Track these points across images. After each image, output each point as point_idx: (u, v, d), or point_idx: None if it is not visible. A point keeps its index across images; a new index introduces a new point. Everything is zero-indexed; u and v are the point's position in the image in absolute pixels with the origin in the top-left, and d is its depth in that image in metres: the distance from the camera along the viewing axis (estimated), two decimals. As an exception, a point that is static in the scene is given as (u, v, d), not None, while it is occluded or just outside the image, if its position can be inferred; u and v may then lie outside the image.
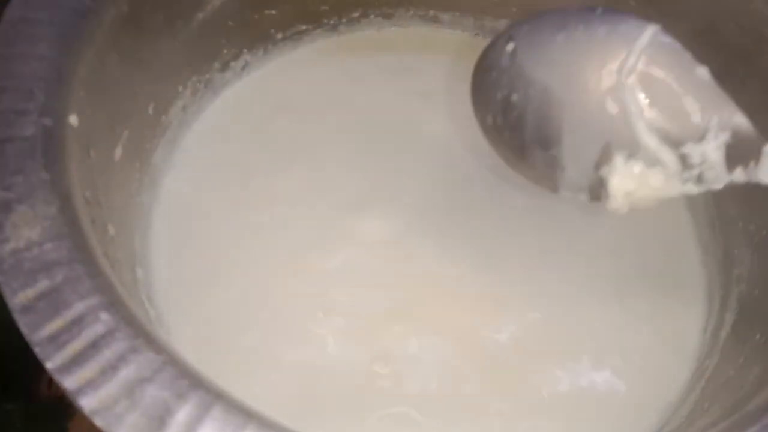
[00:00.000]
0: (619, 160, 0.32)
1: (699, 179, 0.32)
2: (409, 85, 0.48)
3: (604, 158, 0.33)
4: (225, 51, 0.45)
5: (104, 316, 0.24)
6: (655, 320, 0.41)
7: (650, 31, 0.32)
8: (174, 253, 0.41)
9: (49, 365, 0.23)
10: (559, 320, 0.40)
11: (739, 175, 0.31)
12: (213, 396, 0.24)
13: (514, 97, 0.34)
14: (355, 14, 0.49)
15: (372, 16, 0.50)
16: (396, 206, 0.43)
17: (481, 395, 0.37)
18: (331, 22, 0.49)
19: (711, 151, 0.31)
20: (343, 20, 0.49)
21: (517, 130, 0.35)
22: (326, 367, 0.38)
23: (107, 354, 0.24)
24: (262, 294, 0.40)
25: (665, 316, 0.41)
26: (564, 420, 0.37)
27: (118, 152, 0.37)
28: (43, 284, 0.25)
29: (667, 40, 0.32)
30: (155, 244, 0.40)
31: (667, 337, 0.40)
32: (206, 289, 0.40)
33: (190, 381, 0.24)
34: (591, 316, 0.40)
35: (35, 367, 0.48)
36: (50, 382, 0.48)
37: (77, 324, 0.24)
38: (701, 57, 0.41)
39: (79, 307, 0.24)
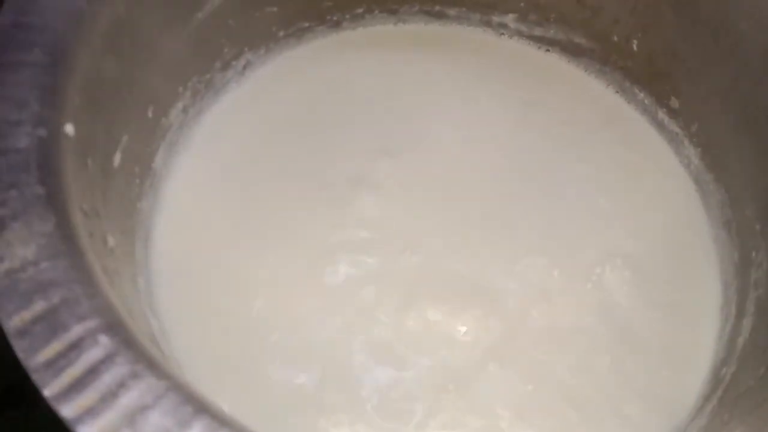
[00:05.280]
0: None
1: None
2: (414, 83, 0.47)
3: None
4: (226, 50, 0.44)
5: (103, 339, 0.23)
6: (668, 324, 0.40)
7: None
8: (176, 261, 0.39)
9: (47, 392, 0.22)
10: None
11: None
12: (218, 423, 0.23)
13: None
14: (359, 10, 0.48)
15: (376, 12, 0.49)
16: (403, 206, 0.42)
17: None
18: (335, 18, 0.48)
19: None
20: (347, 16, 0.48)
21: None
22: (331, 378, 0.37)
23: (107, 380, 0.23)
24: (266, 301, 0.39)
25: (679, 320, 0.40)
26: (584, 423, 0.37)
27: (117, 159, 0.35)
28: (39, 306, 0.24)
29: None
30: (157, 252, 0.39)
31: (681, 342, 0.40)
32: (209, 297, 0.39)
33: (194, 407, 0.23)
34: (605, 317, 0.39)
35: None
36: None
37: (75, 348, 0.23)
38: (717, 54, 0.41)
39: (77, 330, 0.24)
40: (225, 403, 0.34)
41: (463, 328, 0.38)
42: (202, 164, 0.43)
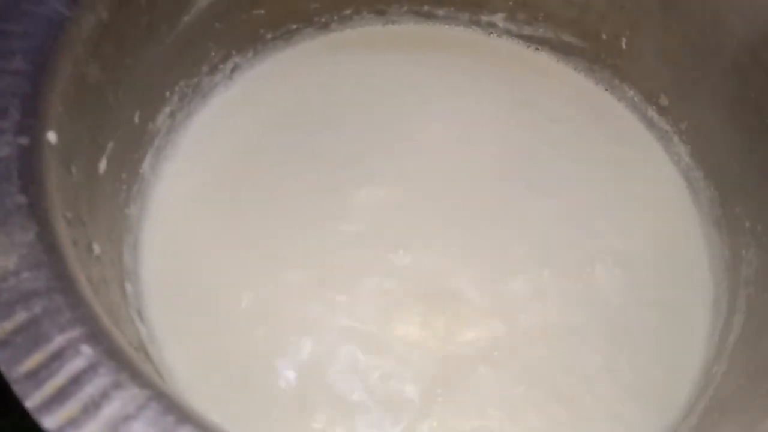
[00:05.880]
0: None
1: None
2: (403, 84, 0.47)
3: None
4: (213, 53, 0.44)
5: (86, 349, 0.23)
6: (659, 323, 0.40)
7: None
8: (165, 266, 0.39)
9: (28, 404, 0.22)
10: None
11: None
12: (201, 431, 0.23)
13: None
14: (347, 11, 0.48)
15: (365, 12, 0.48)
16: (393, 208, 0.42)
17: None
18: (323, 20, 0.48)
19: None
20: (335, 18, 0.48)
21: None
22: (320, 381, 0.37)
23: (89, 390, 0.23)
24: (254, 305, 0.39)
25: (670, 318, 0.40)
26: (576, 423, 0.37)
27: (103, 165, 0.35)
28: (20, 316, 0.24)
29: None
30: (145, 257, 0.39)
31: (672, 341, 0.39)
32: (199, 302, 0.39)
33: (177, 416, 0.23)
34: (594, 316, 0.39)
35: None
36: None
37: (57, 358, 0.23)
38: (705, 51, 0.40)
39: (59, 341, 0.23)
40: (214, 405, 0.34)
41: (453, 329, 0.38)
42: (190, 169, 0.43)
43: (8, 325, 0.23)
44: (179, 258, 0.40)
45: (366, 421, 0.35)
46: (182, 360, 0.37)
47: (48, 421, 0.22)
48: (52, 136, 0.29)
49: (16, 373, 0.23)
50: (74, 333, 0.24)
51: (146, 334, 0.36)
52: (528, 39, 0.49)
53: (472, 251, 0.41)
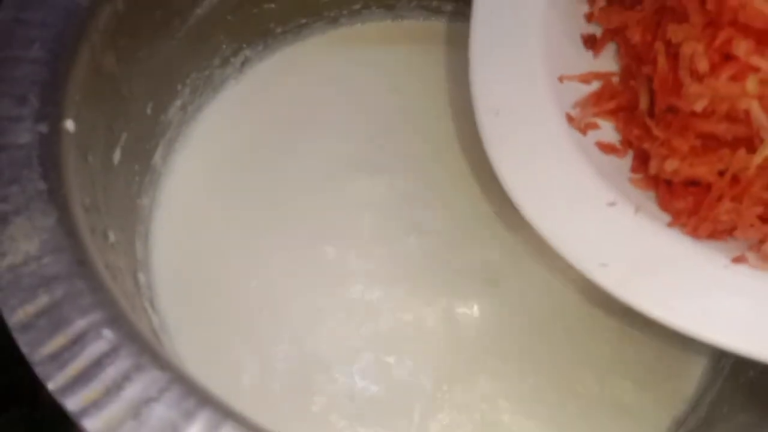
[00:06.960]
0: None
1: None
2: (412, 78, 0.47)
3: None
4: (224, 47, 0.44)
5: (107, 332, 0.24)
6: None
7: None
8: (176, 257, 0.40)
9: (51, 385, 0.22)
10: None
11: None
12: (222, 414, 0.23)
13: None
14: (357, 6, 0.48)
15: (374, 7, 0.49)
16: (402, 198, 0.42)
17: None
18: (332, 14, 0.48)
19: None
20: (344, 12, 0.48)
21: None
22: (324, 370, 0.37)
23: (111, 372, 0.23)
24: (264, 296, 0.39)
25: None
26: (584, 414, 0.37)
27: (117, 155, 0.35)
28: (42, 300, 0.24)
29: None
30: (157, 247, 0.39)
31: (681, 333, 0.40)
32: (208, 292, 0.39)
33: (198, 399, 0.23)
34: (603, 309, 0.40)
35: (38, 372, 0.48)
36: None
37: (79, 341, 0.23)
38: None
39: (80, 324, 0.24)
40: (224, 394, 0.34)
41: (462, 321, 0.39)
42: (200, 161, 0.43)
43: (30, 309, 0.24)
44: (189, 249, 0.40)
45: (370, 415, 0.36)
46: (194, 352, 0.37)
47: (71, 402, 0.22)
48: (70, 125, 0.29)
49: (39, 355, 0.23)
50: (95, 317, 0.24)
51: (158, 324, 0.37)
52: (535, 35, 0.49)
53: (482, 243, 0.41)
